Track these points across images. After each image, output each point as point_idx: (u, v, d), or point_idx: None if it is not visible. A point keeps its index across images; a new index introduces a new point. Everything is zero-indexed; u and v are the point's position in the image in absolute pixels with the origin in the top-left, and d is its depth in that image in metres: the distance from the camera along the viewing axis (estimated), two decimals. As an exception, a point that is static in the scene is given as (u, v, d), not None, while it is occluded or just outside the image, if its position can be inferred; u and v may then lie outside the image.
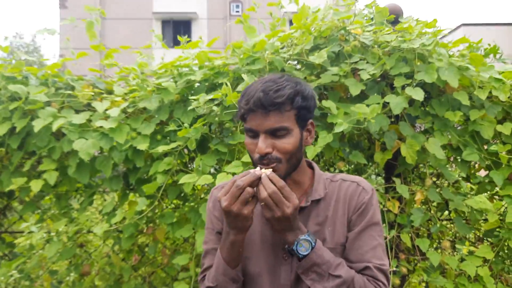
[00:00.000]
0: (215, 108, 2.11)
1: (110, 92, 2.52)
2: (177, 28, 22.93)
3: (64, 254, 2.45)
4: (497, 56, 2.89)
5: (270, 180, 1.16)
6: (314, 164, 1.44)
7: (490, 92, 2.28)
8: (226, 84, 1.91)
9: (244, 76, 1.95)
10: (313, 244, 1.21)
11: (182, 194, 2.53)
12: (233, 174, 2.10)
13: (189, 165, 2.55)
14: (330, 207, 1.34)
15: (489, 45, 2.89)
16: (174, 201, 2.77)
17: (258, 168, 1.20)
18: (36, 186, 2.18)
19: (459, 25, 13.03)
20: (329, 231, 1.32)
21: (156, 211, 2.51)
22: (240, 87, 2.03)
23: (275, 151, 1.24)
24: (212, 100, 2.17)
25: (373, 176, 2.57)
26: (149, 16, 22.74)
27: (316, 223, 1.32)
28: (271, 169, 1.20)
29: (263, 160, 1.24)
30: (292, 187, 1.34)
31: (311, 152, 2.06)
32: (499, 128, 2.32)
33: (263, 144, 1.23)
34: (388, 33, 2.31)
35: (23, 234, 2.46)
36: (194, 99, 2.10)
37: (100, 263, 2.55)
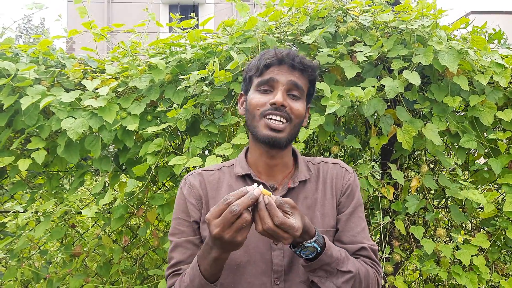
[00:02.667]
0: (205, 88, 2.05)
1: (103, 71, 2.48)
2: (185, 12, 22.73)
3: (54, 234, 2.43)
4: (502, 41, 2.81)
5: (269, 211, 1.00)
6: (295, 147, 1.43)
7: (492, 78, 2.20)
8: (214, 62, 1.85)
9: (233, 53, 1.88)
10: (319, 249, 1.12)
11: (177, 177, 2.50)
12: (223, 156, 2.06)
13: (183, 147, 2.51)
14: (318, 190, 1.33)
15: (494, 30, 2.81)
16: (167, 183, 2.74)
17: (255, 185, 1.02)
18: (23, 165, 2.14)
19: (468, 13, 12.79)
20: (320, 214, 1.30)
21: (149, 193, 2.48)
22: (229, 66, 1.96)
23: (288, 108, 1.23)
24: (203, 80, 2.12)
25: (369, 162, 2.52)
26: (157, 0, 22.53)
27: (306, 206, 1.30)
28: (270, 193, 1.03)
29: (276, 111, 1.21)
30: (280, 168, 1.33)
31: (302, 134, 2.01)
32: (500, 114, 2.25)
33: (281, 96, 1.21)
34: (387, 14, 2.24)
35: (9, 213, 2.44)
36: (184, 78, 2.05)
37: (90, 244, 2.53)
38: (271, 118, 1.21)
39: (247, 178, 1.33)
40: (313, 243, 1.11)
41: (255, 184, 1.03)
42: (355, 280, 1.18)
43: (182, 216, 1.32)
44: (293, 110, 1.23)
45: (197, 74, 1.99)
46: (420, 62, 2.13)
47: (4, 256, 2.69)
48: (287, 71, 1.23)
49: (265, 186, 1.30)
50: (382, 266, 2.28)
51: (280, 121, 1.21)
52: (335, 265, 1.15)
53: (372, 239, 2.27)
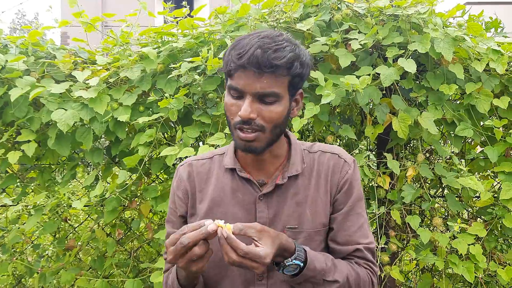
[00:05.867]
0: (197, 77, 2.01)
1: (94, 62, 2.44)
2: (179, 3, 22.50)
3: (47, 228, 2.40)
4: (498, 30, 2.78)
5: (230, 244, 0.99)
6: (290, 133, 1.31)
7: (488, 65, 2.18)
8: (209, 49, 1.81)
9: (227, 40, 1.85)
10: (301, 265, 1.09)
11: (171, 169, 2.47)
12: (216, 147, 2.03)
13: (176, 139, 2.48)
14: (311, 185, 1.24)
15: (490, 18, 2.78)
16: (161, 176, 2.71)
17: (210, 221, 1.02)
18: (13, 157, 2.11)
19: (465, 3, 12.74)
20: (311, 212, 1.22)
21: (142, 186, 2.45)
22: (221, 54, 1.93)
23: (260, 118, 1.10)
24: (195, 69, 2.08)
25: (365, 151, 2.49)
26: (150, -8, 22.36)
27: (296, 202, 1.22)
28: (230, 226, 1.02)
29: (244, 125, 1.10)
30: (270, 160, 1.25)
31: (297, 124, 1.98)
32: (496, 102, 2.23)
33: (248, 108, 1.07)
34: (382, 1, 2.20)
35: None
36: (175, 67, 2.01)
37: (84, 237, 2.50)
38: (242, 129, 1.12)
39: (234, 172, 1.26)
40: (294, 261, 1.08)
41: (216, 221, 1.02)
42: (344, 287, 1.16)
43: (173, 206, 1.32)
44: (265, 118, 1.10)
45: (190, 62, 1.95)
46: (415, 50, 2.10)
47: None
48: (253, 77, 1.06)
49: (251, 182, 1.24)
50: (379, 256, 2.27)
51: (251, 131, 1.12)
52: (320, 276, 1.12)
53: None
